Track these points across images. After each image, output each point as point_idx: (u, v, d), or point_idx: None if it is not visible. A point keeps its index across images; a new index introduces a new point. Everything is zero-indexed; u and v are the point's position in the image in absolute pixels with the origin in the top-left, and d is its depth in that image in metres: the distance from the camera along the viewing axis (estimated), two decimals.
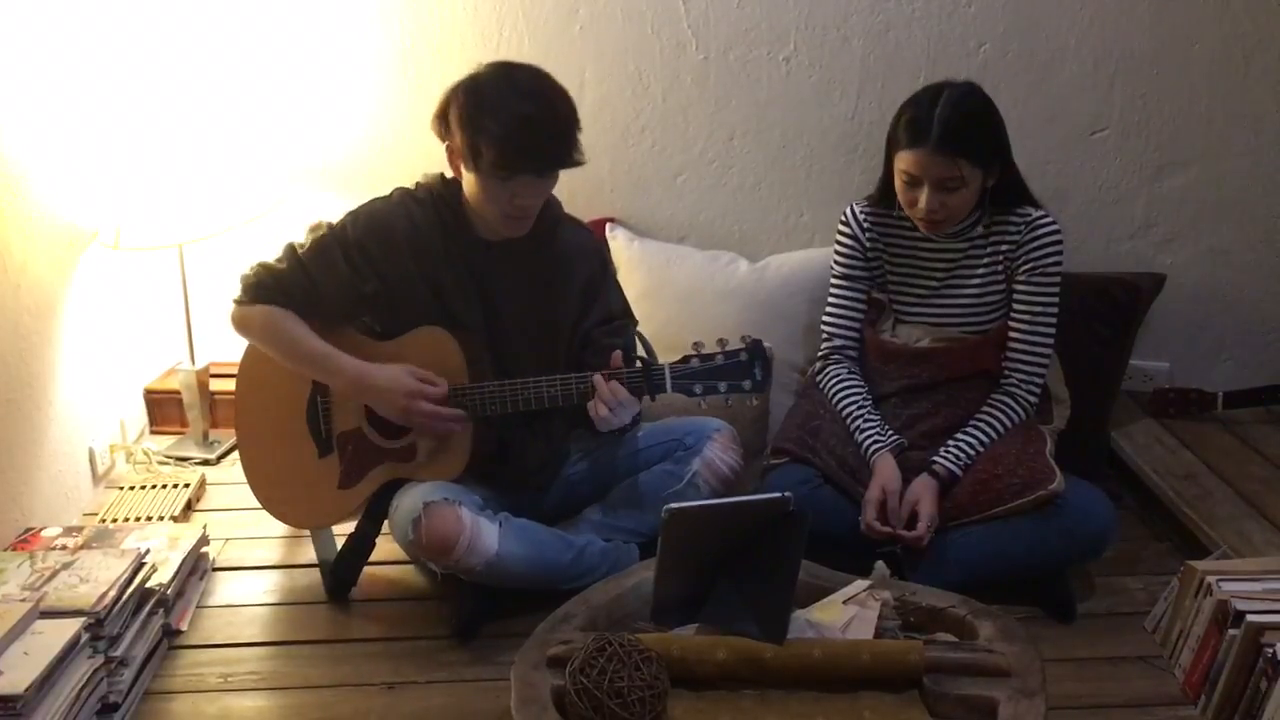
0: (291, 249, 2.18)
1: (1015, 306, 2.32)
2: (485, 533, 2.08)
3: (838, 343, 2.45)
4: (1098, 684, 2.02)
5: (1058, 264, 2.29)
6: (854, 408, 2.36)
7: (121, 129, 2.67)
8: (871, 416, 2.34)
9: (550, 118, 2.00)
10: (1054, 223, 2.30)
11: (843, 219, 2.44)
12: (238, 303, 2.20)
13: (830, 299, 2.47)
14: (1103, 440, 2.68)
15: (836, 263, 2.45)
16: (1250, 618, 1.86)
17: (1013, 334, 2.33)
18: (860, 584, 1.88)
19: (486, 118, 1.97)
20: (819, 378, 2.46)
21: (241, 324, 2.21)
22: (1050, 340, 2.33)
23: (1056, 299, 2.31)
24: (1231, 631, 1.88)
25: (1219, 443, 2.64)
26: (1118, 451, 2.66)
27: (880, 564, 2.04)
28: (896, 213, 2.34)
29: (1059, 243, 2.29)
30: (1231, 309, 2.88)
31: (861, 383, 2.41)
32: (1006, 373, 2.34)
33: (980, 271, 2.33)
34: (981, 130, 2.21)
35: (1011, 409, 2.31)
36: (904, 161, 2.22)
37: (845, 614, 1.81)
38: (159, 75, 2.75)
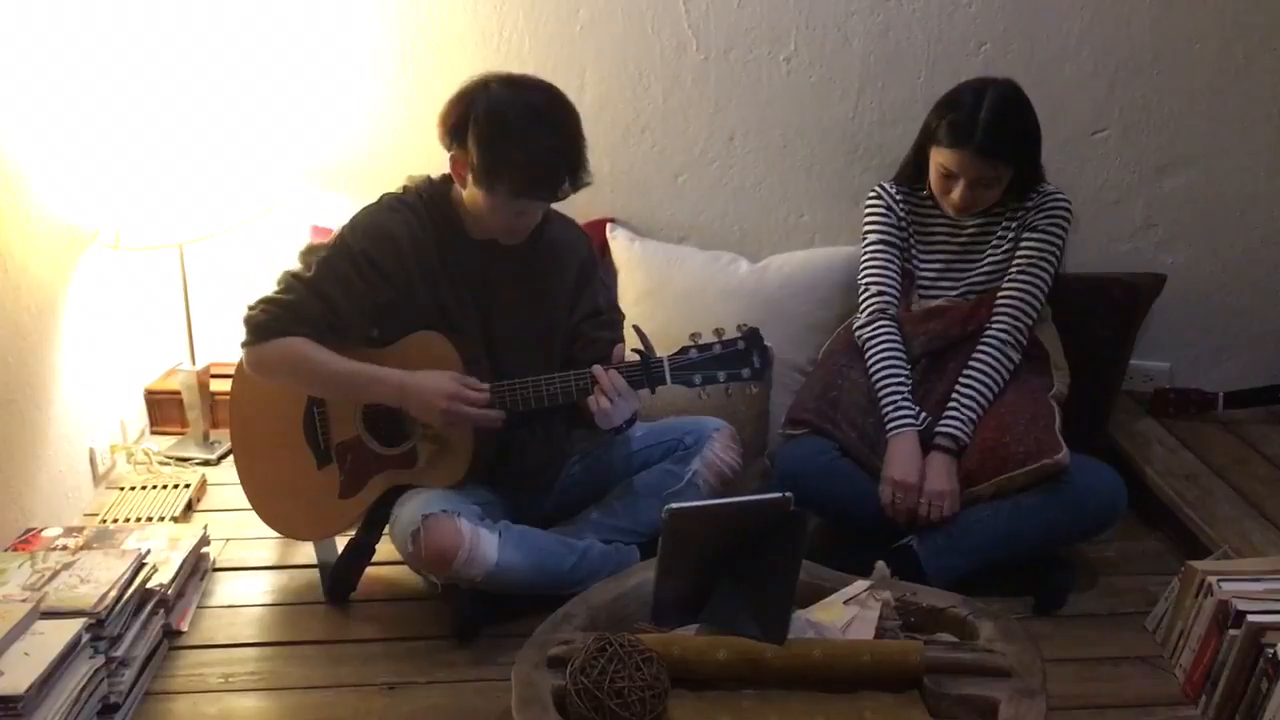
0: (294, 277, 2.11)
1: (1014, 260, 2.38)
2: (485, 543, 2.08)
3: (885, 299, 2.44)
4: (1098, 684, 2.02)
5: (1059, 226, 2.37)
6: (891, 385, 2.34)
7: (121, 129, 2.67)
8: (908, 398, 2.33)
9: (569, 150, 2.00)
10: (1064, 195, 2.39)
11: (873, 193, 2.50)
12: (248, 346, 2.10)
13: (869, 261, 2.48)
14: (1103, 440, 2.67)
15: (872, 230, 2.48)
16: (1251, 618, 1.86)
17: (1006, 281, 2.38)
18: (861, 584, 1.89)
19: (511, 146, 1.96)
20: (862, 332, 2.43)
21: (259, 366, 2.13)
22: (1041, 294, 2.37)
23: (1052, 258, 2.37)
24: (1232, 632, 1.88)
25: (1220, 443, 2.64)
26: (1118, 451, 2.66)
27: (881, 564, 2.04)
28: (923, 192, 2.43)
29: (1066, 210, 2.38)
30: (1232, 309, 2.88)
31: (903, 352, 2.39)
32: (994, 317, 2.37)
33: (993, 244, 2.41)
34: (1022, 134, 2.29)
35: (996, 353, 2.33)
36: (943, 157, 2.29)
37: (846, 614, 1.81)
38: (159, 75, 2.75)
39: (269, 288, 2.14)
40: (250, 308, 2.12)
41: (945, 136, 2.28)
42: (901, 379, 2.35)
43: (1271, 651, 1.79)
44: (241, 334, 2.11)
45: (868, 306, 2.46)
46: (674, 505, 1.75)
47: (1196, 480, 2.47)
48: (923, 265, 2.47)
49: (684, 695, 1.70)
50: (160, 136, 2.66)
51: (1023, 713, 1.62)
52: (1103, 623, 2.20)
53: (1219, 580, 1.97)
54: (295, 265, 2.15)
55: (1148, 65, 2.71)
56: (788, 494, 1.79)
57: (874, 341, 2.41)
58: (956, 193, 2.30)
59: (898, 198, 2.46)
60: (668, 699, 1.65)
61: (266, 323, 2.09)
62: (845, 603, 1.84)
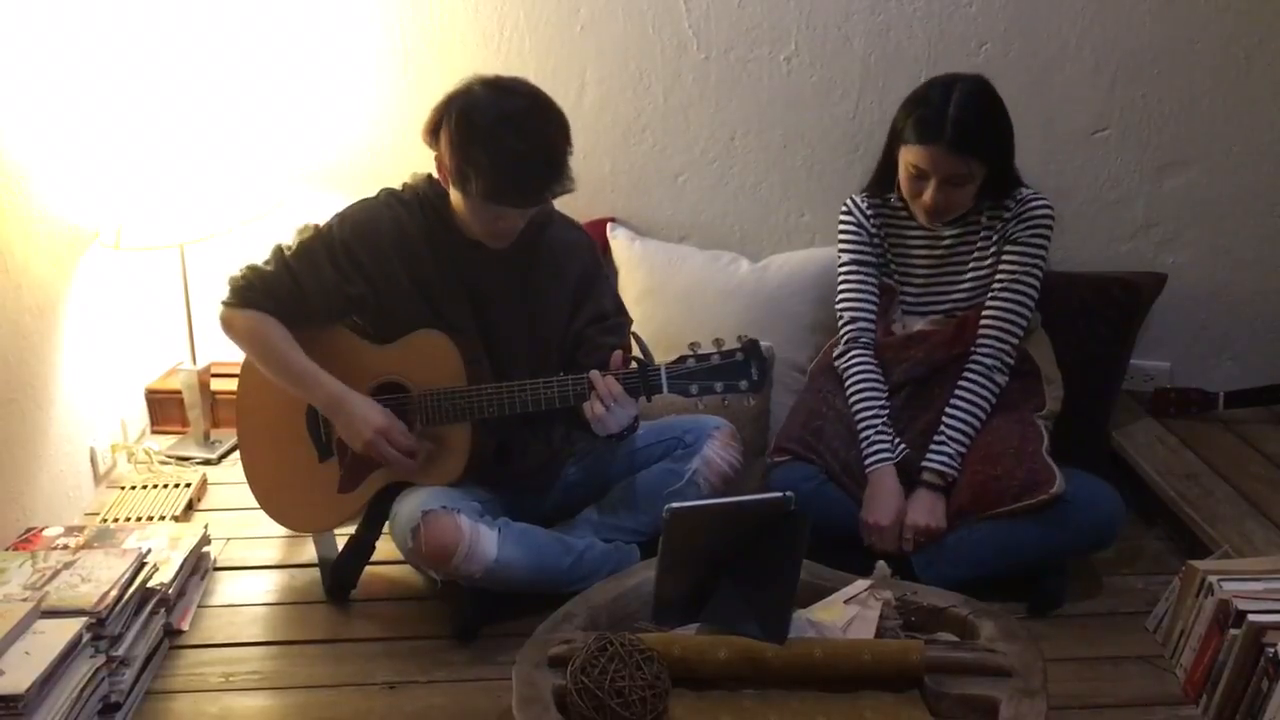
0: (279, 251, 2.17)
1: (996, 276, 2.33)
2: (484, 540, 2.08)
3: (859, 327, 2.42)
4: (1099, 684, 2.02)
5: (1042, 237, 2.30)
6: (869, 415, 2.33)
7: (122, 129, 2.68)
8: (884, 429, 2.31)
9: (540, 156, 1.98)
10: (1044, 200, 2.31)
11: (844, 209, 2.45)
12: (225, 305, 2.18)
13: (843, 286, 2.44)
14: (1103, 440, 2.67)
15: (845, 249, 2.44)
16: (1252, 617, 1.86)
17: (989, 301, 2.33)
18: (861, 584, 1.89)
19: (477, 149, 1.96)
20: (839, 362, 2.42)
21: (228, 327, 2.19)
22: (1026, 312, 2.32)
23: (1036, 272, 2.31)
24: (1233, 631, 1.88)
25: (1220, 442, 2.63)
26: (1119, 451, 2.66)
27: (881, 563, 2.04)
28: (894, 199, 2.36)
29: (1047, 217, 2.30)
30: (1232, 308, 2.88)
31: (881, 382, 2.37)
32: (979, 341, 2.32)
33: (975, 256, 2.35)
34: (992, 128, 2.22)
35: (982, 380, 2.29)
36: (913, 155, 2.22)
37: (846, 614, 1.82)
38: (159, 75, 2.75)
39: (262, 256, 2.20)
40: (239, 270, 2.19)
41: (914, 133, 2.21)
42: (877, 410, 2.33)
43: (1272, 651, 1.79)
44: (223, 292, 2.18)
45: (843, 336, 2.44)
46: (674, 505, 1.75)
47: (1197, 480, 2.47)
48: (902, 279, 2.42)
49: (685, 695, 1.70)
50: (161, 136, 2.67)
51: (1023, 712, 1.62)
52: (1103, 622, 2.20)
53: (1220, 580, 1.97)
54: (289, 240, 2.19)
55: (1148, 65, 2.71)
56: (788, 493, 1.79)
57: (850, 372, 2.39)
58: (928, 194, 2.22)
59: (869, 212, 2.41)
60: (668, 698, 1.65)
61: (242, 288, 2.16)
62: (846, 602, 1.84)
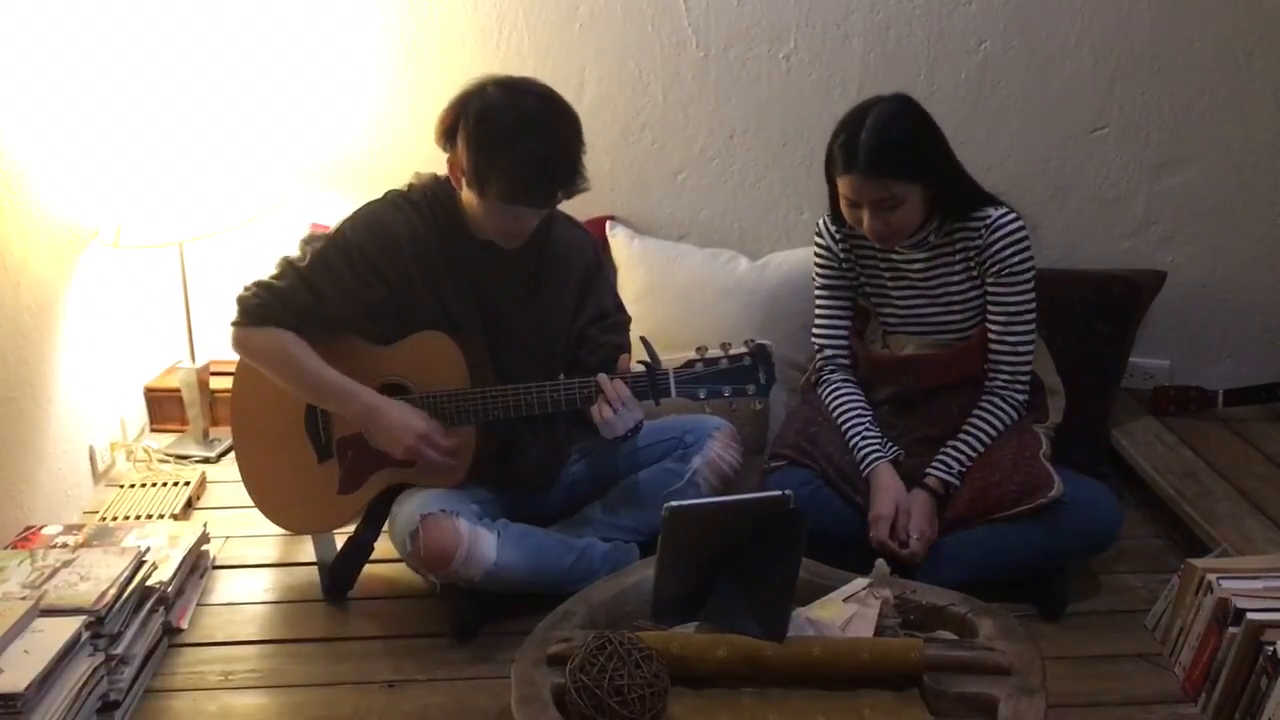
0: (290, 264, 2.12)
1: (990, 308, 2.30)
2: (483, 543, 2.07)
3: (829, 352, 2.44)
4: (1098, 682, 2.02)
5: (1024, 259, 2.25)
6: (852, 422, 2.34)
7: (121, 128, 2.68)
8: (870, 432, 2.32)
9: (560, 155, 1.98)
10: (1015, 218, 2.25)
11: (816, 231, 2.43)
12: (237, 325, 2.11)
13: (817, 310, 2.46)
14: (1103, 438, 2.68)
15: (817, 274, 2.44)
16: (1250, 616, 1.86)
17: (992, 335, 2.31)
18: (860, 582, 1.89)
19: (498, 151, 1.95)
20: (818, 388, 2.45)
21: (243, 348, 2.15)
22: (1031, 337, 2.30)
23: (1030, 294, 2.28)
24: (1232, 629, 1.88)
25: (1219, 440, 2.63)
26: (1118, 449, 2.66)
27: (880, 562, 2.04)
28: (850, 228, 2.34)
29: (1023, 238, 2.24)
30: (1231, 307, 2.88)
31: (858, 392, 2.39)
32: (991, 374, 2.32)
33: (956, 279, 2.31)
34: (909, 150, 2.16)
35: (1000, 409, 2.30)
36: (841, 185, 2.20)
37: (845, 612, 1.82)
38: (159, 75, 2.75)
39: (268, 271, 2.15)
40: (245, 288, 2.13)
41: (838, 162, 2.18)
42: (859, 415, 2.34)
43: (1271, 649, 1.79)
44: (233, 312, 2.13)
45: (817, 363, 2.45)
46: (674, 503, 1.75)
47: (1196, 478, 2.47)
48: (879, 301, 2.40)
49: (684, 693, 1.70)
50: (160, 136, 2.67)
51: (1022, 711, 1.62)
52: (1102, 621, 2.20)
53: (1218, 578, 1.97)
54: (295, 252, 2.15)
55: (1148, 63, 2.71)
56: (788, 492, 1.80)
57: (828, 394, 2.40)
58: (865, 221, 2.19)
59: (837, 237, 2.38)
60: (667, 697, 1.65)
61: (257, 307, 2.10)
62: (845, 600, 1.84)
